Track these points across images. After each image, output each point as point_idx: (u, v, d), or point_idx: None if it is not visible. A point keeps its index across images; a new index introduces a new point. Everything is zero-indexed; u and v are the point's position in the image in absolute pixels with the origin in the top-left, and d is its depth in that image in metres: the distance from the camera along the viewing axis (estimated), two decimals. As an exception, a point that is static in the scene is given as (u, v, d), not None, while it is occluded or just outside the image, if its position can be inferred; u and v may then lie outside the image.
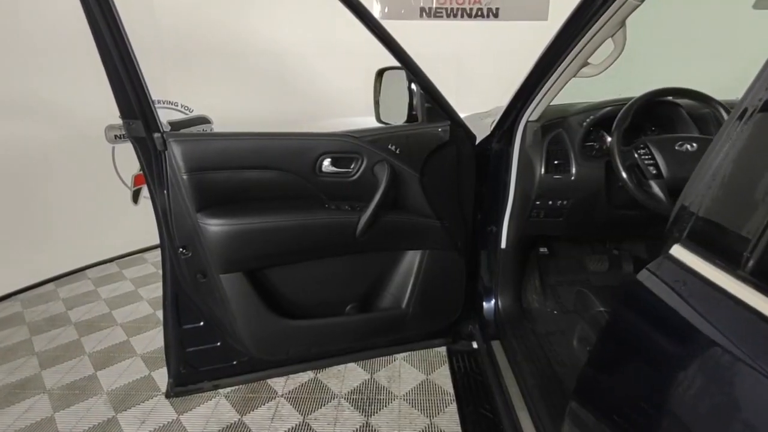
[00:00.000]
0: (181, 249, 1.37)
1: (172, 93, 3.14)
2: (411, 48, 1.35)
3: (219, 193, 1.35)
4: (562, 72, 1.31)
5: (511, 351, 1.66)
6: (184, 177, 1.30)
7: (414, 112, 1.54)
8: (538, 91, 1.41)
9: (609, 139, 1.52)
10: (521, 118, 1.54)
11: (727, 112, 1.34)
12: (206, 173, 1.32)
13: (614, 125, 1.36)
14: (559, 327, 1.80)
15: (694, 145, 1.28)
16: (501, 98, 2.66)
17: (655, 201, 1.28)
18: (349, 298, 1.62)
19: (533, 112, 1.50)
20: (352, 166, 1.44)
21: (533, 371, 1.52)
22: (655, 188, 1.29)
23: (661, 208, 1.28)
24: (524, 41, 3.29)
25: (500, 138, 1.66)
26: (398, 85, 1.58)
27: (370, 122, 1.69)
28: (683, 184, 1.33)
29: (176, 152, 1.28)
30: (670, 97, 1.41)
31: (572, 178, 1.49)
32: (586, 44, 1.20)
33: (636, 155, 1.33)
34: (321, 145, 1.40)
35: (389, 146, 1.46)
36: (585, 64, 1.28)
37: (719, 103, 1.36)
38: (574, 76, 1.32)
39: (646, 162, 1.31)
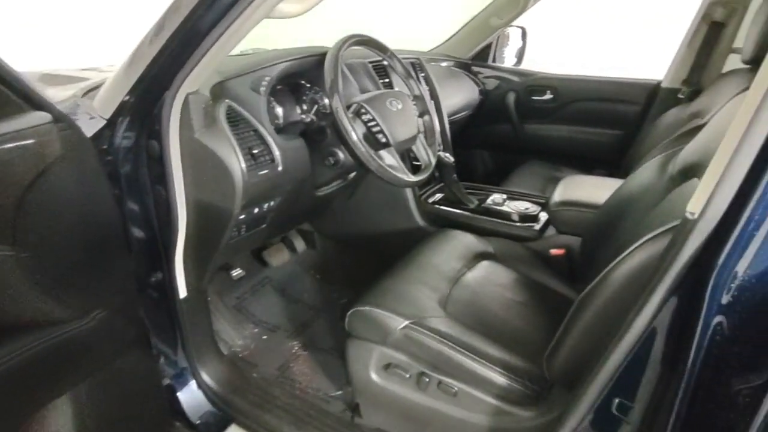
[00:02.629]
0: None
1: None
2: None
3: None
4: (253, 11, 0.78)
5: None
6: None
7: None
8: (206, 44, 0.82)
9: (280, 109, 1.15)
10: (173, 91, 0.89)
11: (401, 64, 1.25)
12: None
13: (328, 85, 0.99)
14: (287, 357, 1.40)
15: (399, 102, 1.12)
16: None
17: (400, 173, 1.07)
18: None
19: (196, 78, 0.89)
20: None
21: None
22: (390, 159, 1.07)
23: (405, 182, 1.08)
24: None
25: (131, 128, 0.94)
26: None
27: None
28: (403, 147, 1.20)
29: None
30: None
31: (279, 168, 1.03)
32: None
33: (362, 122, 1.04)
34: None
35: None
36: (280, -4, 0.81)
37: (394, 54, 1.24)
38: (266, 17, 0.83)
39: (374, 130, 1.05)
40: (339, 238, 1.74)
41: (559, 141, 2.07)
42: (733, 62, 1.62)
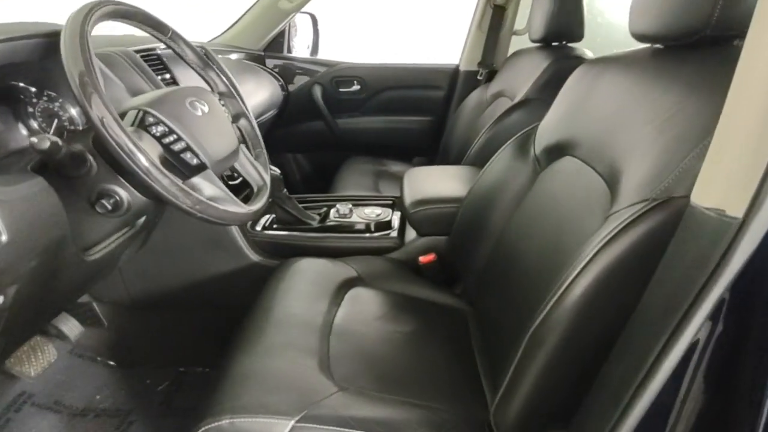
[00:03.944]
0: None
1: None
2: None
3: None
4: None
5: None
6: None
7: None
8: None
9: None
10: None
11: (194, 50, 0.86)
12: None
13: (77, 82, 0.57)
14: None
15: (204, 103, 0.75)
16: None
17: (231, 206, 0.71)
18: None
19: None
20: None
21: None
22: (210, 188, 0.71)
23: (241, 215, 0.73)
24: None
25: None
26: None
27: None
28: (224, 167, 0.82)
29: None
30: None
31: (1, 237, 0.56)
32: None
33: (154, 138, 0.64)
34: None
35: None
36: None
37: (179, 35, 0.84)
38: None
39: (176, 148, 0.66)
40: (137, 303, 1.24)
41: (374, 133, 1.96)
42: (517, 43, 1.75)
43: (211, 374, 1.26)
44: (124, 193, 0.70)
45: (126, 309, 1.23)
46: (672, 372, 0.40)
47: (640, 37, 0.71)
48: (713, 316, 0.38)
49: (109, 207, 0.69)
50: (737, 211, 0.37)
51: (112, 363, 1.24)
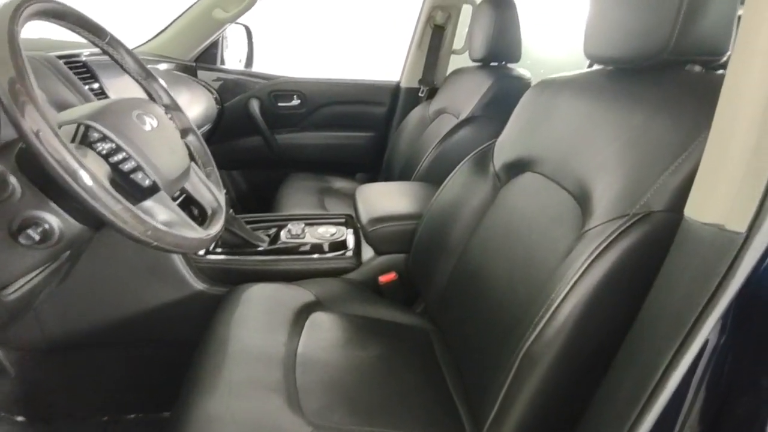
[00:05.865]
0: None
1: None
2: None
3: None
4: None
5: None
6: None
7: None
8: None
9: None
10: None
11: (134, 57, 0.76)
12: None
13: (5, 86, 0.46)
14: None
15: (153, 117, 0.67)
16: None
17: (188, 231, 0.63)
18: None
19: None
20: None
21: None
22: (164, 212, 0.62)
23: (198, 241, 0.65)
24: None
25: None
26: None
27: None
28: (176, 188, 0.73)
29: None
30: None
31: None
32: None
33: (99, 155, 0.55)
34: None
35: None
36: None
37: (118, 40, 0.73)
38: None
39: (124, 168, 0.57)
40: (55, 345, 1.07)
41: (315, 149, 1.90)
42: (456, 61, 1.80)
43: (146, 420, 1.12)
44: (55, 220, 0.60)
45: (40, 353, 1.05)
46: (681, 380, 0.41)
47: (595, 59, 0.75)
48: (721, 326, 0.40)
49: (36, 237, 0.59)
50: (739, 225, 0.39)
51: (20, 419, 1.06)
